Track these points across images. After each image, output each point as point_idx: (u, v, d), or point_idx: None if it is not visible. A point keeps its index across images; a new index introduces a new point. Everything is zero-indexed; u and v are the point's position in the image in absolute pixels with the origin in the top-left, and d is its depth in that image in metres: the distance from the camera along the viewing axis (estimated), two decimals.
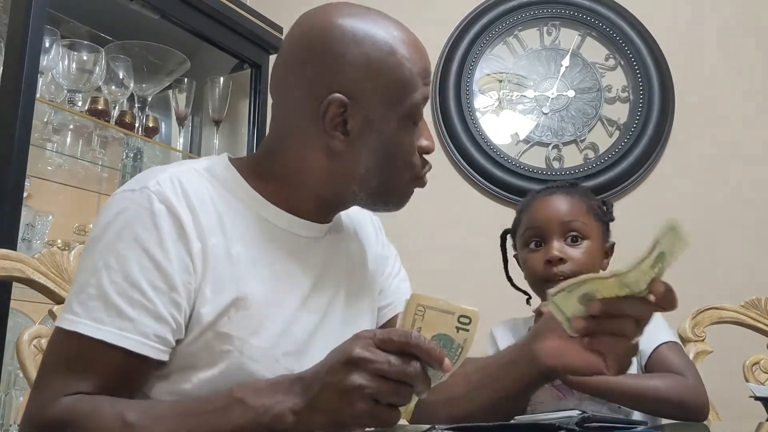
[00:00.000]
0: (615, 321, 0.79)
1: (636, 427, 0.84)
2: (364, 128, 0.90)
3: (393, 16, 0.97)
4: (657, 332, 1.20)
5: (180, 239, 0.85)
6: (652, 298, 0.77)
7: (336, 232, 1.04)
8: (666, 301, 0.77)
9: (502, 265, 1.40)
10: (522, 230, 1.32)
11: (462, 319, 0.73)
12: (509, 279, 1.39)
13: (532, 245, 1.29)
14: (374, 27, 0.92)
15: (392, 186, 0.95)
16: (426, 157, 0.96)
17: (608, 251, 1.32)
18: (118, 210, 0.85)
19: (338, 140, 0.91)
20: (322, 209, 0.97)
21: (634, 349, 0.81)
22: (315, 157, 0.93)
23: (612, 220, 1.35)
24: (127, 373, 0.81)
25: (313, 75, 0.91)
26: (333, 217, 1.01)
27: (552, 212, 1.28)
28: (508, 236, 1.40)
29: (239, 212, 0.92)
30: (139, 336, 0.81)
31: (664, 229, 0.71)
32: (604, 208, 1.35)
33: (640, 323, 0.79)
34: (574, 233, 1.26)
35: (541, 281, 1.25)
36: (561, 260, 1.23)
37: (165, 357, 0.84)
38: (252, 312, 0.87)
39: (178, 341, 0.85)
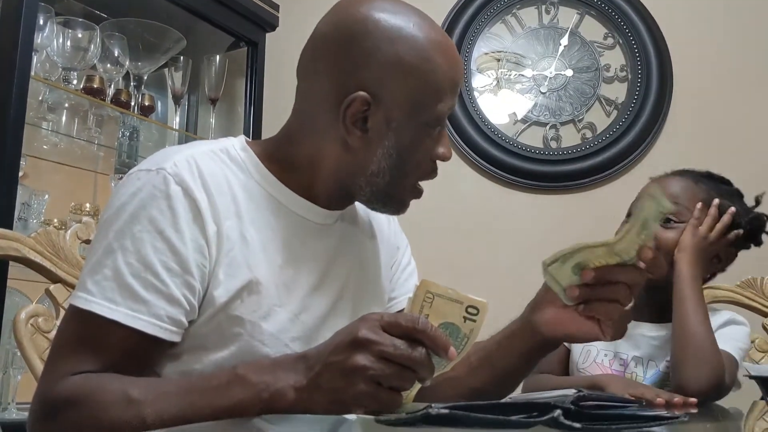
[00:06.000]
0: (608, 288, 0.84)
1: (630, 405, 0.85)
2: (383, 128, 0.89)
3: None
4: (725, 340, 1.22)
5: (195, 221, 0.85)
6: (642, 265, 0.82)
7: (350, 223, 1.04)
8: (654, 266, 0.82)
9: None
10: None
11: (470, 310, 0.74)
12: None
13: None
14: (412, 27, 0.89)
15: (398, 187, 0.94)
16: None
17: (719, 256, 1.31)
18: (134, 190, 0.85)
19: (356, 136, 0.90)
20: (333, 196, 0.97)
21: (629, 316, 0.86)
22: (330, 148, 0.92)
23: (751, 229, 1.32)
24: (138, 353, 0.82)
25: (341, 69, 0.89)
26: (346, 206, 1.01)
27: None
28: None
29: (254, 195, 0.92)
30: (152, 318, 0.81)
31: (645, 198, 0.76)
32: (749, 216, 1.32)
33: (633, 289, 0.84)
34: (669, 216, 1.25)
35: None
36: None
37: (177, 338, 0.84)
38: (263, 296, 0.88)
39: (190, 322, 0.86)
